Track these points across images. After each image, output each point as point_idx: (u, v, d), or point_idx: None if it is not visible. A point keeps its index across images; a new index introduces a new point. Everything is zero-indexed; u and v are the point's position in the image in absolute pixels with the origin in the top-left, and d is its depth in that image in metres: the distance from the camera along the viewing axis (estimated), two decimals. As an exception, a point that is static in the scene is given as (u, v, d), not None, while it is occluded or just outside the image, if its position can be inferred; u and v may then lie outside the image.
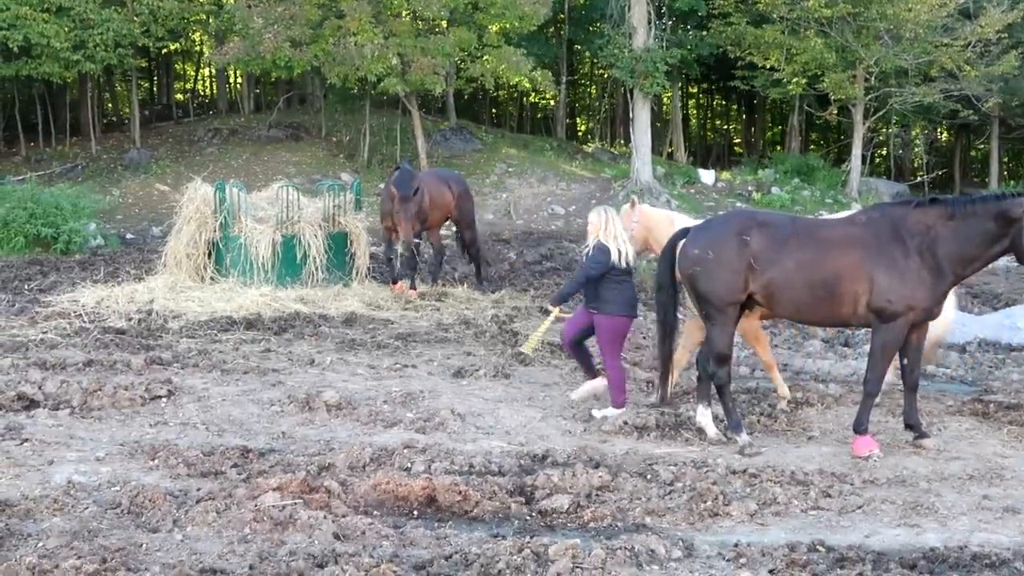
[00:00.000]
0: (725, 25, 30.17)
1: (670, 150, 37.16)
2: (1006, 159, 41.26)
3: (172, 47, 34.29)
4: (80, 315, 13.11)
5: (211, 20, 30.19)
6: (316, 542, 6.05)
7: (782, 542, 6.26)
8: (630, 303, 9.17)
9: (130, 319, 13.01)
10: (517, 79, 28.19)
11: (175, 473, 7.31)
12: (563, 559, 5.77)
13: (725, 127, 49.93)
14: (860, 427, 8.16)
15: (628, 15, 28.53)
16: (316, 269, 15.20)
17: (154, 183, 27.19)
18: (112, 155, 29.67)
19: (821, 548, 6.17)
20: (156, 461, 7.55)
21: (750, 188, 29.91)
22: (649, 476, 7.44)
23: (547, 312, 9.81)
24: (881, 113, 31.25)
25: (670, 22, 31.58)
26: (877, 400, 8.56)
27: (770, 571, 5.85)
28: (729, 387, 8.52)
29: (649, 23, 28.53)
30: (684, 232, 8.76)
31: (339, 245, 15.57)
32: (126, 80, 35.03)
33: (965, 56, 28.06)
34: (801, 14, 28.43)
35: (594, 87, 45.93)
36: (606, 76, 38.09)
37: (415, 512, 6.75)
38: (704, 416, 8.63)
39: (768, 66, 30.01)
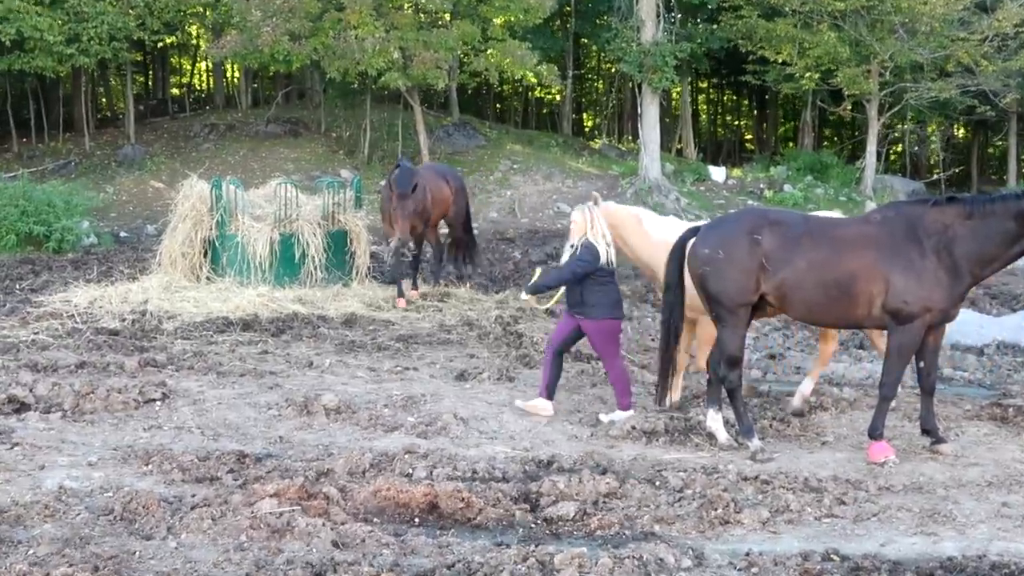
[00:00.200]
0: (736, 18, 30.12)
1: (679, 146, 37.13)
2: (1025, 156, 41.23)
3: (168, 40, 34.34)
4: (72, 316, 13.10)
5: (208, 13, 30.20)
6: (314, 550, 6.03)
7: (795, 551, 6.23)
8: (616, 304, 9.16)
9: (124, 320, 13.01)
10: (522, 73, 28.19)
11: (169, 479, 7.29)
12: (569, 568, 5.75)
13: (736, 123, 49.91)
14: (875, 432, 8.13)
15: (636, 8, 28.52)
16: (315, 269, 15.18)
17: (149, 180, 27.21)
18: (106, 151, 29.71)
19: (835, 557, 6.14)
20: (150, 466, 7.54)
21: (762, 186, 29.89)
22: (658, 483, 7.42)
23: (519, 297, 9.78)
24: (896, 109, 31.19)
25: (679, 15, 31.58)
26: (893, 404, 8.52)
27: (783, 581, 5.83)
28: (740, 391, 8.49)
29: (658, 16, 28.53)
30: (694, 231, 8.74)
31: (339, 244, 15.56)
32: (121, 74, 35.05)
33: (982, 50, 28.01)
34: (814, 7, 28.39)
35: (601, 82, 45.93)
36: (614, 70, 38.12)
37: (416, 519, 6.73)
38: (715, 420, 8.60)
39: (780, 60, 29.96)
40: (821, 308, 8.15)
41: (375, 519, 6.66)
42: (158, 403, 9.32)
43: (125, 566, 5.77)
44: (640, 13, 28.38)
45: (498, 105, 43.77)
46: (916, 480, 7.64)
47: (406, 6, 26.85)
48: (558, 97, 41.36)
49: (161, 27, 28.19)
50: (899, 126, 36.51)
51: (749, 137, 48.39)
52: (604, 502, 7.00)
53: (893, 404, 8.55)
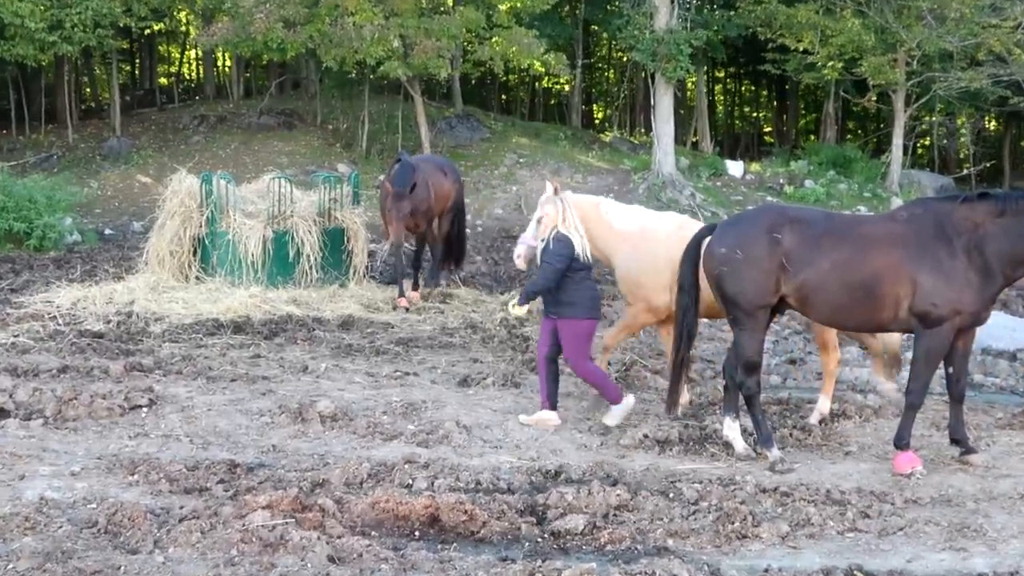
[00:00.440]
0: (754, 4, 30.10)
1: (694, 140, 37.14)
2: (1060, 150, 41.21)
3: (156, 27, 34.36)
4: (54, 317, 13.12)
5: (198, -2, 30.27)
6: (309, 565, 6.03)
7: (816, 567, 6.22)
8: (594, 303, 9.18)
9: (108, 322, 13.03)
10: (529, 62, 28.16)
11: (156, 489, 7.30)
12: (577, 585, 5.74)
13: (754, 115, 49.89)
14: (901, 442, 8.12)
15: (649, -7, 28.52)
16: (310, 268, 15.21)
17: (135, 174, 27.26)
18: (90, 144, 29.77)
19: (859, 573, 6.14)
20: (136, 476, 7.55)
21: (781, 181, 29.88)
22: (671, 494, 7.42)
23: (510, 312, 9.73)
24: (924, 100, 31.15)
25: (695, 1, 31.55)
26: (920, 412, 8.51)
27: (803, 599, 5.83)
28: (759, 397, 8.48)
29: (672, 2, 28.52)
30: (710, 229, 8.74)
31: (335, 242, 15.58)
32: (106, 63, 35.14)
33: (1015, 38, 27.94)
34: (837, -8, 28.41)
35: (612, 71, 45.95)
36: (625, 59, 38.14)
37: (417, 533, 6.73)
38: (732, 429, 8.59)
39: (801, 49, 29.93)
40: (845, 311, 8.14)
41: (373, 533, 6.66)
42: (144, 410, 9.33)
43: (109, 581, 5.78)
44: (654, -1, 28.40)
45: (503, 96, 43.80)
46: (944, 492, 7.63)
47: (406, -9, 26.86)
48: (567, 87, 41.38)
49: (148, 13, 28.25)
50: (927, 118, 36.42)
51: (768, 130, 48.36)
52: (615, 515, 7.00)
53: (920, 412, 8.52)
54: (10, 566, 5.93)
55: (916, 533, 6.84)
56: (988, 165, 38.70)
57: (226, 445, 8.48)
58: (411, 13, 25.96)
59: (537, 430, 9.07)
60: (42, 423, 8.83)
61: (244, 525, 6.42)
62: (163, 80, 41.82)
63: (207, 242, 15.22)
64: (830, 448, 8.77)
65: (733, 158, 33.95)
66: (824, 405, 9.50)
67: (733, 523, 6.78)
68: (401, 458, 7.97)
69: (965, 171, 36.64)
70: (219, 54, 37.24)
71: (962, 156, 40.11)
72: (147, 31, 34.38)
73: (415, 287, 15.26)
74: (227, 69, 38.94)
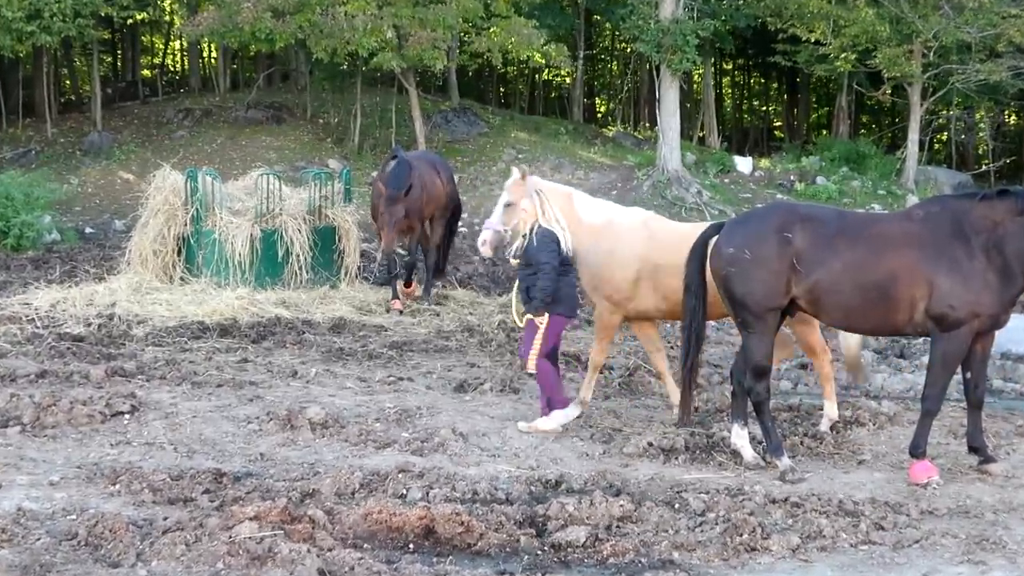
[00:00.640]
0: (764, -7, 30.17)
1: (701, 134, 37.14)
2: (1083, 146, 41.18)
3: (138, 17, 34.42)
4: (32, 320, 13.13)
5: (182, -13, 30.31)
6: (298, 579, 6.03)
7: (828, 581, 6.23)
8: (574, 301, 9.19)
9: (89, 324, 13.03)
10: (528, 54, 28.19)
11: (139, 500, 7.30)
12: (579, 600, 5.75)
13: (764, 109, 49.92)
14: (917, 450, 8.12)
15: (654, -18, 28.53)
16: (300, 268, 15.22)
17: (117, 170, 27.25)
18: (70, 139, 29.75)
19: (873, 588, 6.14)
20: (117, 486, 7.54)
21: (792, 178, 29.89)
22: (677, 505, 7.42)
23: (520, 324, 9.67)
24: (941, 93, 31.18)
25: (702, -11, 31.56)
26: (937, 419, 8.51)
27: (815, 614, 5.83)
28: (768, 404, 8.48)
29: (678, -10, 28.52)
30: (717, 227, 8.73)
31: (326, 241, 15.58)
32: (86, 54, 35.14)
33: (1037, 29, 27.99)
34: (850, -20, 28.43)
35: (615, 63, 45.95)
36: (629, 51, 38.10)
37: (411, 545, 6.73)
38: (740, 437, 8.59)
39: (813, 40, 29.96)
40: (858, 313, 8.15)
41: (365, 545, 6.65)
42: (127, 416, 9.32)
43: (90, 596, 5.78)
44: (659, -13, 28.40)
45: (502, 89, 43.82)
46: (962, 503, 7.63)
47: (400, -21, 26.86)
48: (568, 80, 41.39)
49: (131, 2, 28.21)
50: (944, 112, 36.46)
51: (778, 124, 48.40)
52: (618, 527, 6.99)
53: (937, 419, 8.52)
54: (-14, 580, 5.93)
55: (933, 546, 6.83)
56: (1008, 161, 38.69)
57: (212, 453, 8.48)
58: (405, 2, 25.95)
59: (536, 438, 9.07)
60: (19, 430, 8.83)
61: (231, 537, 6.42)
62: (146, 72, 41.78)
63: (192, 241, 15.22)
64: (843, 457, 8.77)
65: (742, 154, 33.93)
66: (831, 410, 9.49)
67: (741, 535, 6.78)
68: (395, 467, 7.96)
69: (984, 167, 36.66)
70: (205, 45, 37.24)
71: (981, 152, 40.10)
72: (129, 21, 34.36)
73: (407, 284, 15.10)
74: (213, 61, 38.93)
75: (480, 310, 14.57)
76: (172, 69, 44.22)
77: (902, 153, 31.65)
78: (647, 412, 9.92)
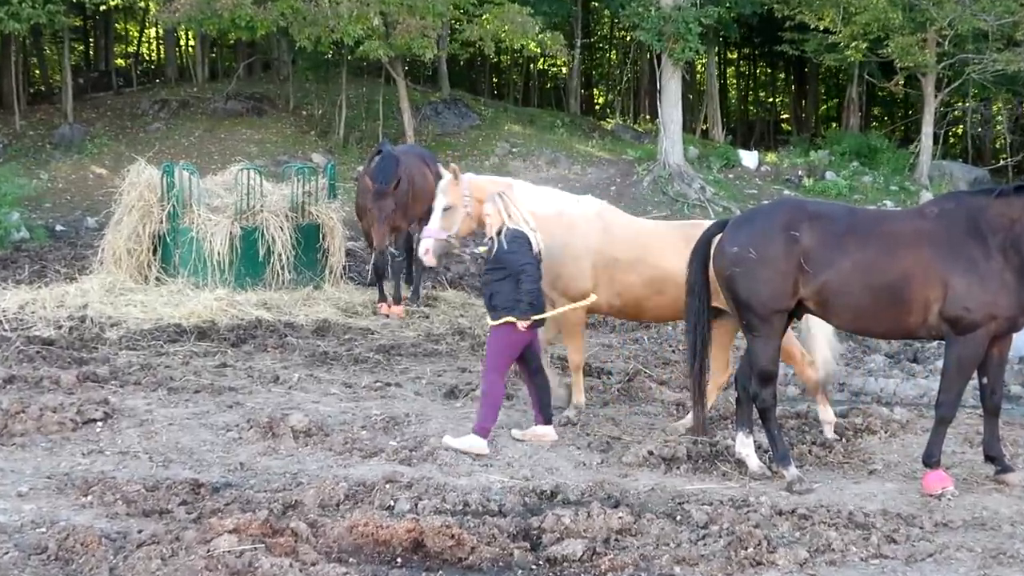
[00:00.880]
0: (771, -22, 30.24)
1: (705, 127, 37.21)
2: (1105, 139, 41.25)
3: (112, 3, 34.36)
4: (0, 322, 13.10)
5: (158, -29, 30.27)
6: (280, 595, 6.03)
7: (838, 597, 6.24)
8: (541, 308, 9.12)
9: (60, 327, 13.01)
10: (522, 43, 28.22)
11: (112, 512, 7.29)
12: (575, 617, 5.75)
13: (770, 100, 50.02)
14: (931, 459, 8.14)
15: (655, -33, 28.57)
16: (282, 268, 15.22)
17: (89, 165, 27.22)
18: (39, 131, 29.71)
19: (884, 604, 6.15)
20: (89, 497, 7.53)
21: (800, 173, 29.93)
22: (679, 517, 7.42)
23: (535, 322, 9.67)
24: (956, 84, 31.24)
25: (705, -25, 31.62)
26: (951, 427, 8.52)
27: (823, 632, 5.84)
28: (774, 411, 8.49)
29: (680, -24, 28.57)
30: (721, 225, 8.74)
31: (309, 240, 15.58)
32: (57, 42, 35.09)
33: (1056, 17, 28.07)
34: (861, -35, 28.47)
35: (614, 52, 46.00)
36: (629, 39, 38.13)
37: (399, 560, 6.73)
38: (745, 446, 8.60)
39: (822, 27, 30.02)
40: (869, 316, 8.15)
41: (351, 559, 6.66)
42: (99, 424, 9.31)
43: (60, 613, 5.78)
44: (659, -27, 28.44)
45: (495, 79, 43.83)
46: (978, 515, 7.64)
47: (388, -36, 26.87)
48: (564, 70, 41.43)
49: (104, -13, 28.23)
50: (960, 104, 36.51)
51: (786, 117, 48.50)
52: (616, 540, 7.00)
53: (952, 427, 8.54)
54: (-50, 596, 5.93)
55: (947, 560, 6.85)
56: (1026, 155, 38.81)
57: (189, 463, 8.47)
58: (393, -12, 25.99)
59: (531, 446, 9.08)
60: (-14, 439, 8.82)
61: (209, 551, 6.41)
62: (120, 61, 41.78)
63: (168, 239, 15.21)
64: (853, 466, 8.79)
65: (747, 147, 34.01)
66: (826, 414, 9.48)
67: (746, 548, 6.79)
68: (382, 477, 7.96)
69: (1001, 162, 36.72)
70: (182, 32, 37.19)
71: (998, 146, 40.20)
72: (102, 7, 34.32)
73: (397, 301, 14.96)
74: (191, 49, 38.92)
75: (471, 312, 14.59)
76: (147, 58, 44.21)
77: (915, 147, 31.70)
78: (647, 419, 9.93)
